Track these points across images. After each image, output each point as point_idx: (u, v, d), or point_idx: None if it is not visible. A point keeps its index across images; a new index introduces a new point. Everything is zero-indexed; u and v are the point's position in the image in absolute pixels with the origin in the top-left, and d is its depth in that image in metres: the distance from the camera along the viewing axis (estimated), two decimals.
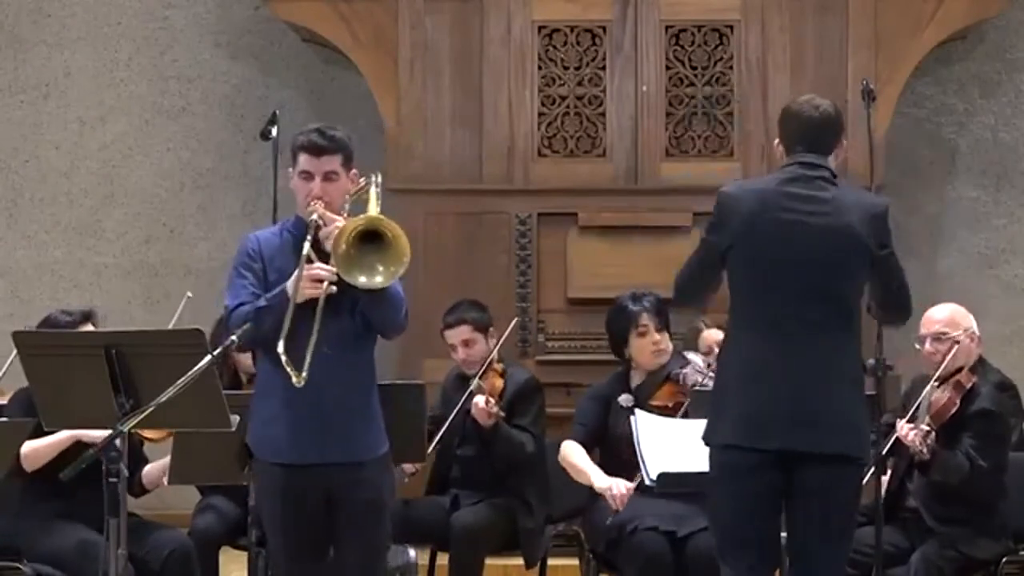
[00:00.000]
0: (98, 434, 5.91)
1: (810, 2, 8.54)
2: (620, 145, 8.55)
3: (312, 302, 5.03)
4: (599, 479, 6.36)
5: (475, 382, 6.70)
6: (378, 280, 5.01)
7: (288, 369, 4.98)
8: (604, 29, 8.57)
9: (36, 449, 6.09)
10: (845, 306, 4.96)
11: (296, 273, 5.04)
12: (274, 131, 6.88)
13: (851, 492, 5.00)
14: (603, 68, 8.57)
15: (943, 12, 8.52)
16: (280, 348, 4.99)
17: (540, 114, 8.57)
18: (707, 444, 5.03)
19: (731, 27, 8.55)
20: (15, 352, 5.19)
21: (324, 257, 5.09)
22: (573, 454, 6.51)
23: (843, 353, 4.95)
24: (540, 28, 8.58)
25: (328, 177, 5.17)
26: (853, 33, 8.50)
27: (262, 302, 5.13)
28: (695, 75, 8.57)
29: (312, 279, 5.03)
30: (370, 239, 5.01)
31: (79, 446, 5.99)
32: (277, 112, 6.84)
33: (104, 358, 4.98)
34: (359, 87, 8.86)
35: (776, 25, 8.52)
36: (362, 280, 5.01)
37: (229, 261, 9.21)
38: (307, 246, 5.06)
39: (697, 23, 8.56)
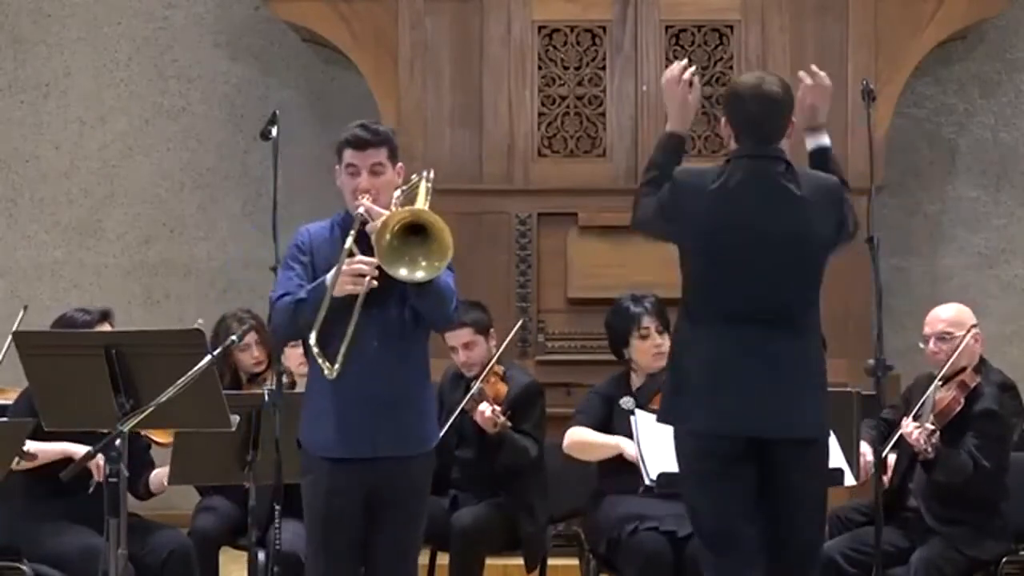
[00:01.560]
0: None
1: (810, 2, 8.53)
2: (620, 145, 8.55)
3: (353, 296, 5.02)
4: (629, 446, 6.31)
5: (476, 386, 6.68)
6: (419, 275, 4.99)
7: (319, 361, 4.97)
8: (604, 29, 8.57)
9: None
10: (803, 298, 4.95)
11: (336, 267, 5.03)
12: (274, 131, 6.85)
13: (823, 474, 5.05)
14: (603, 68, 8.57)
15: (943, 12, 8.51)
16: (312, 339, 4.98)
17: (540, 114, 8.57)
18: (668, 423, 5.01)
19: (731, 27, 8.55)
20: (7, 344, 5.20)
21: (369, 252, 5.06)
22: (585, 433, 6.47)
23: (802, 342, 4.95)
24: (540, 28, 8.58)
25: (374, 170, 5.16)
26: (853, 33, 8.49)
27: (302, 294, 5.11)
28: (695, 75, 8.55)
29: (353, 274, 5.01)
30: (414, 232, 5.00)
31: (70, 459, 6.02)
32: (277, 112, 6.82)
33: (104, 358, 4.98)
34: (359, 87, 8.86)
35: (776, 25, 8.52)
36: (403, 273, 4.98)
37: (229, 261, 9.40)
38: (349, 240, 5.04)
39: (697, 23, 8.56)
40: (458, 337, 6.79)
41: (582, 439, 6.48)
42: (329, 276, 5.05)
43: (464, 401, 6.67)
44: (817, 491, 5.02)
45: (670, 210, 4.97)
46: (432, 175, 5.30)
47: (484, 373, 6.73)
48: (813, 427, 4.96)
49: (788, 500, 4.91)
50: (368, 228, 5.06)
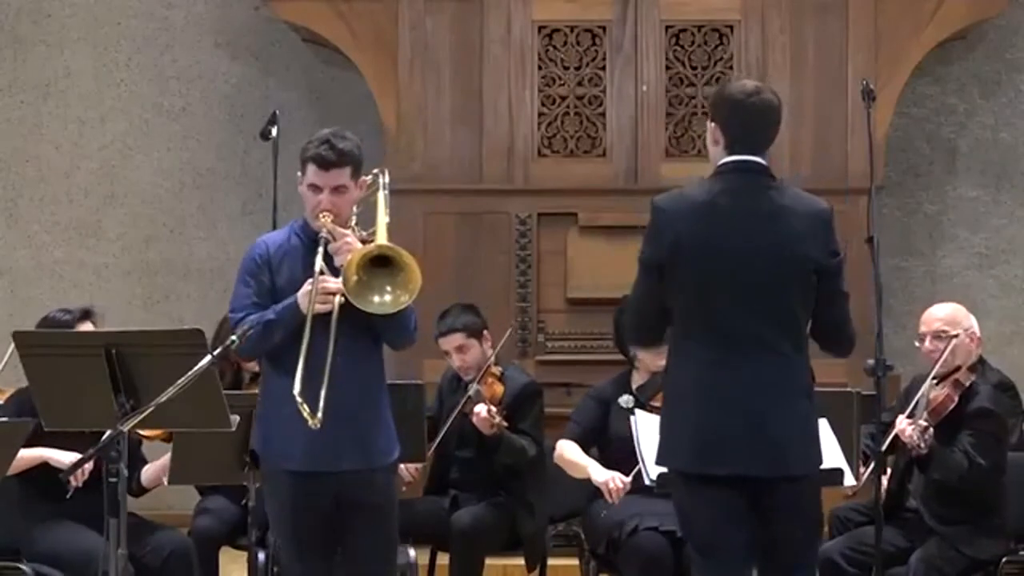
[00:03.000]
0: (67, 457, 5.95)
1: (810, 2, 8.53)
2: (620, 145, 8.55)
3: (325, 325, 5.01)
4: (597, 472, 6.35)
5: (473, 387, 6.68)
6: (387, 304, 5.00)
7: (304, 412, 4.95)
8: (604, 29, 8.57)
9: None
10: (792, 323, 4.84)
11: (308, 287, 5.03)
12: (274, 131, 6.87)
13: (812, 507, 4.97)
14: (603, 68, 8.57)
15: (943, 12, 8.51)
16: (296, 389, 4.96)
17: (540, 114, 8.57)
18: (661, 465, 5.00)
19: (731, 27, 8.55)
20: (11, 349, 5.19)
21: (334, 270, 5.08)
22: (569, 451, 6.51)
23: (792, 369, 4.85)
24: (540, 28, 8.58)
25: (336, 190, 5.15)
26: (853, 33, 8.49)
27: (271, 315, 5.11)
28: (695, 75, 8.56)
29: (322, 292, 5.02)
30: (381, 263, 5.01)
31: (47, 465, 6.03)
32: (277, 112, 6.84)
33: (104, 358, 4.98)
34: (359, 87, 8.86)
35: (776, 25, 8.52)
36: (374, 303, 5.00)
37: (229, 261, 9.39)
38: (319, 260, 5.04)
39: (697, 23, 8.56)
40: (450, 341, 6.80)
41: (561, 455, 6.54)
42: (300, 295, 5.06)
43: (461, 403, 6.68)
44: (810, 520, 4.95)
45: (655, 235, 4.90)
46: (387, 179, 5.29)
47: (481, 374, 6.74)
48: (801, 464, 4.86)
49: (781, 530, 4.88)
50: (331, 248, 5.07)
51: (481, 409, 6.59)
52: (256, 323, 5.10)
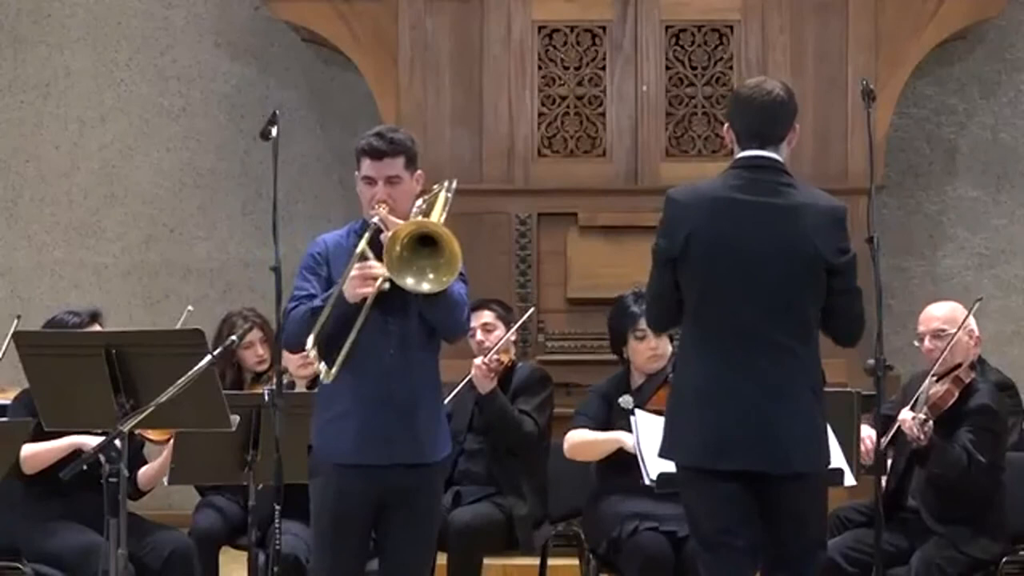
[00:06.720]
0: (96, 441, 5.93)
1: (810, 2, 8.54)
2: (620, 145, 8.55)
3: (372, 312, 5.03)
4: (629, 438, 6.32)
5: (492, 355, 6.74)
6: (425, 286, 5.00)
7: (317, 364, 4.99)
8: (604, 29, 8.57)
9: (37, 453, 6.08)
10: (802, 319, 4.86)
11: (346, 271, 5.05)
12: (274, 131, 6.83)
13: (818, 506, 4.98)
14: (603, 68, 8.58)
15: (943, 12, 8.52)
16: (309, 343, 4.98)
17: (540, 114, 8.57)
18: (667, 458, 5.01)
19: (731, 27, 8.55)
20: (6, 342, 5.20)
21: (380, 258, 5.08)
22: (584, 434, 6.48)
23: (801, 367, 4.86)
24: (540, 28, 8.59)
25: (391, 180, 5.17)
26: (853, 33, 8.50)
27: (317, 302, 5.12)
28: (695, 75, 8.57)
29: (364, 276, 5.03)
30: (425, 243, 5.01)
31: (79, 451, 6.01)
32: (277, 112, 6.80)
33: (104, 358, 4.99)
34: (359, 87, 8.87)
35: (776, 25, 8.52)
36: (409, 283, 5.00)
37: (229, 261, 9.41)
38: (362, 243, 5.07)
39: (697, 23, 8.56)
40: (478, 317, 6.84)
41: (581, 439, 6.49)
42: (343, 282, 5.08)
43: (466, 379, 6.67)
44: (815, 517, 4.96)
45: (669, 228, 4.92)
46: (454, 185, 5.32)
47: (496, 348, 6.77)
48: (807, 462, 4.88)
49: (786, 527, 4.89)
50: (382, 238, 5.08)
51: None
52: (304, 313, 5.11)
